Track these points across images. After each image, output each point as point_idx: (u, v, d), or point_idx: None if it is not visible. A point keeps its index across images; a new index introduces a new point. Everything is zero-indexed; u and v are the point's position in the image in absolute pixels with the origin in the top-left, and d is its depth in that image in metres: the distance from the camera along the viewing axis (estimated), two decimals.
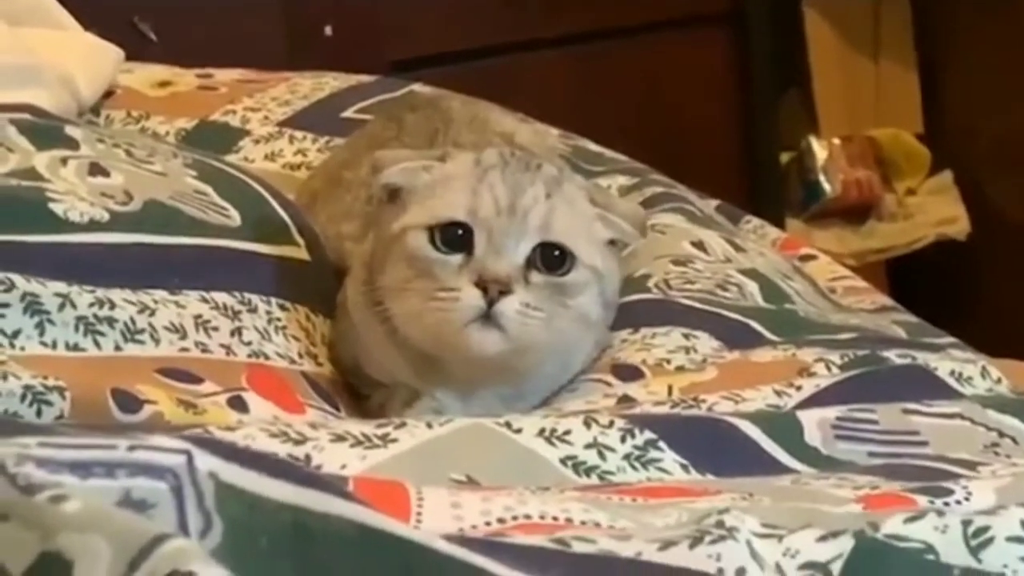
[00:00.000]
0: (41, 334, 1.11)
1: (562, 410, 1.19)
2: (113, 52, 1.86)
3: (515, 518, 0.83)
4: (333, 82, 1.86)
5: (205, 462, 0.65)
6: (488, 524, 0.83)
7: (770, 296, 1.49)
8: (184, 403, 1.10)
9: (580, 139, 1.88)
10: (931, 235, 3.15)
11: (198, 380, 1.16)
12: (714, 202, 1.84)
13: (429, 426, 1.00)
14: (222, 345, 1.21)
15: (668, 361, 1.30)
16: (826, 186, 3.14)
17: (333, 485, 0.68)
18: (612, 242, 1.26)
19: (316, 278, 1.33)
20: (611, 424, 1.04)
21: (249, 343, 1.22)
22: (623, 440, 1.03)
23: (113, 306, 1.16)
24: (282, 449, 0.94)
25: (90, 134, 1.35)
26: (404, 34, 2.59)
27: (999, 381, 1.25)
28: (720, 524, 0.74)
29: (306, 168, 1.66)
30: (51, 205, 1.20)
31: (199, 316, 1.21)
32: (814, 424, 1.09)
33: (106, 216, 1.22)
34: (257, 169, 1.59)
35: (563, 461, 1.01)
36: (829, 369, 1.24)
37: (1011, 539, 0.77)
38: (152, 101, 1.81)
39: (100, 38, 1.86)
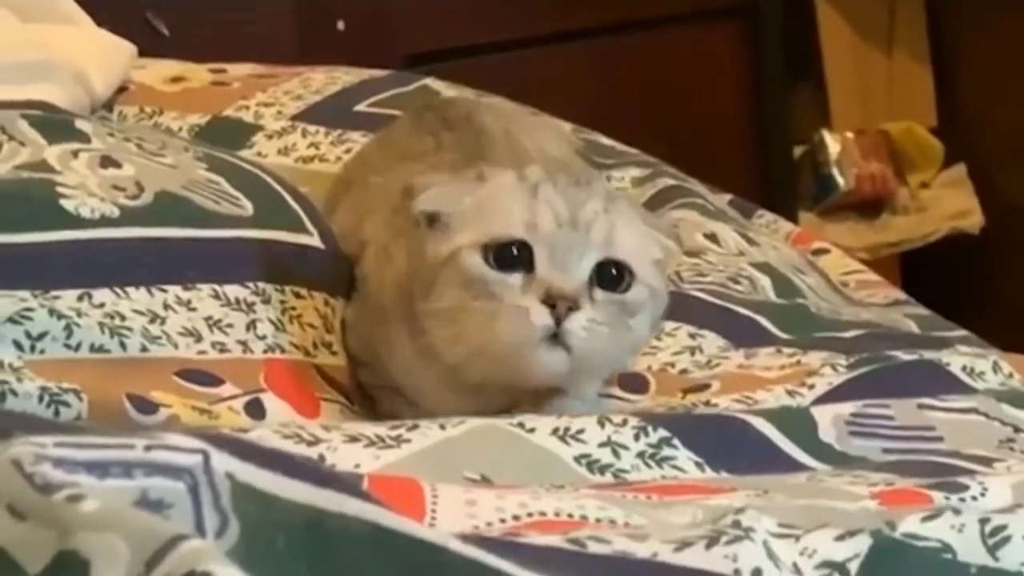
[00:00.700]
0: (68, 337, 1.12)
1: None
2: (126, 48, 1.86)
3: (530, 515, 0.83)
4: (345, 77, 1.86)
5: (222, 462, 0.65)
6: (503, 521, 0.83)
7: (782, 291, 1.49)
8: (199, 409, 1.11)
9: (592, 133, 1.88)
10: (945, 228, 3.14)
11: (218, 382, 1.16)
12: (726, 196, 1.84)
13: (442, 427, 1.00)
14: (239, 342, 1.20)
15: (673, 365, 1.29)
16: (839, 180, 3.13)
17: (349, 485, 0.68)
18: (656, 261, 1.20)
19: (332, 264, 1.32)
20: (625, 422, 1.04)
21: (264, 337, 1.22)
22: (637, 438, 1.03)
23: (124, 317, 1.16)
24: (295, 450, 0.94)
25: (101, 128, 1.35)
26: (417, 28, 2.59)
27: (1011, 375, 1.25)
28: (736, 524, 0.74)
29: (319, 161, 1.66)
30: (62, 202, 1.21)
31: (210, 317, 1.21)
32: (828, 421, 1.09)
33: (117, 212, 1.22)
34: (270, 164, 1.59)
35: (577, 459, 1.01)
36: (835, 370, 1.24)
37: None
38: (165, 97, 1.81)
39: (113, 33, 1.86)
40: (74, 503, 0.60)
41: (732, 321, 1.37)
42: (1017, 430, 1.11)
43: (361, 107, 1.76)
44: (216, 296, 1.22)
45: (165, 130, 1.70)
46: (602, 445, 1.02)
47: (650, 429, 1.04)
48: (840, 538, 0.76)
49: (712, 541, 0.73)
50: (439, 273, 1.14)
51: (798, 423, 1.08)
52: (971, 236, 3.13)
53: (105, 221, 1.21)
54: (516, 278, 1.11)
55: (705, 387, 1.25)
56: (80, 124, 1.33)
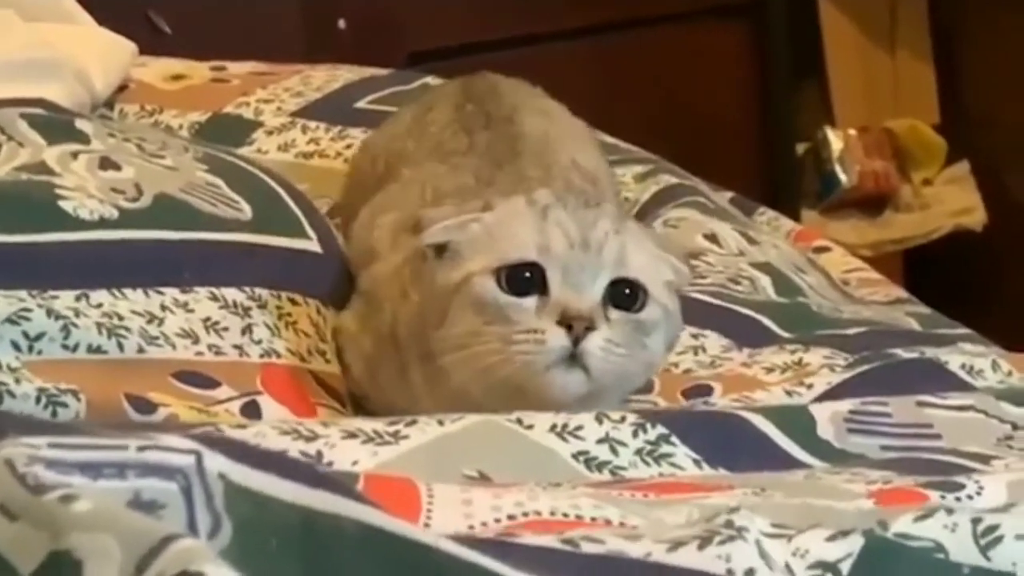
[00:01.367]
0: (65, 337, 1.12)
1: None
2: (127, 46, 1.86)
3: (525, 515, 0.83)
4: (347, 74, 1.86)
5: (214, 462, 0.66)
6: (498, 521, 0.83)
7: (783, 290, 1.49)
8: (196, 410, 1.11)
9: (593, 130, 1.87)
10: (948, 225, 3.14)
11: (215, 384, 1.16)
12: (728, 194, 1.84)
13: (440, 423, 1.00)
14: (235, 346, 1.21)
15: (676, 365, 1.29)
16: (842, 177, 3.13)
17: (343, 486, 0.68)
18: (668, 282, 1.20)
19: (328, 271, 1.33)
20: (623, 419, 1.04)
21: (260, 341, 1.22)
22: (635, 435, 1.03)
23: (121, 317, 1.16)
24: (293, 446, 0.94)
25: (101, 128, 1.35)
26: (420, 26, 2.59)
27: (1010, 373, 1.25)
28: (729, 524, 0.74)
29: (319, 156, 1.66)
30: (61, 203, 1.21)
31: (208, 319, 1.21)
32: (827, 418, 1.09)
33: (115, 214, 1.23)
34: (270, 160, 1.59)
35: (575, 456, 1.01)
36: (834, 370, 1.24)
37: (1021, 537, 0.77)
38: (165, 95, 1.81)
39: (114, 31, 1.86)
40: (67, 503, 0.61)
41: (734, 321, 1.37)
42: (1016, 427, 1.11)
43: (361, 104, 1.76)
44: (214, 298, 1.23)
45: (165, 128, 1.71)
46: (600, 442, 1.02)
47: (648, 426, 1.04)
48: (832, 538, 0.76)
49: (705, 541, 0.73)
50: (451, 300, 1.13)
51: (797, 420, 1.08)
52: (974, 233, 3.13)
53: (104, 223, 1.21)
54: (530, 301, 1.10)
55: (708, 391, 1.25)
56: (80, 124, 1.34)
